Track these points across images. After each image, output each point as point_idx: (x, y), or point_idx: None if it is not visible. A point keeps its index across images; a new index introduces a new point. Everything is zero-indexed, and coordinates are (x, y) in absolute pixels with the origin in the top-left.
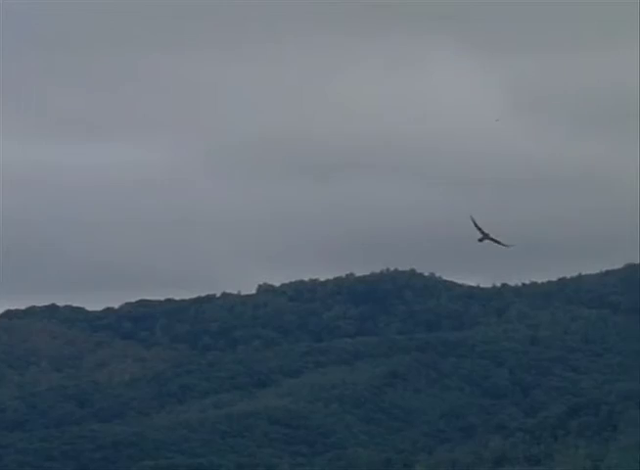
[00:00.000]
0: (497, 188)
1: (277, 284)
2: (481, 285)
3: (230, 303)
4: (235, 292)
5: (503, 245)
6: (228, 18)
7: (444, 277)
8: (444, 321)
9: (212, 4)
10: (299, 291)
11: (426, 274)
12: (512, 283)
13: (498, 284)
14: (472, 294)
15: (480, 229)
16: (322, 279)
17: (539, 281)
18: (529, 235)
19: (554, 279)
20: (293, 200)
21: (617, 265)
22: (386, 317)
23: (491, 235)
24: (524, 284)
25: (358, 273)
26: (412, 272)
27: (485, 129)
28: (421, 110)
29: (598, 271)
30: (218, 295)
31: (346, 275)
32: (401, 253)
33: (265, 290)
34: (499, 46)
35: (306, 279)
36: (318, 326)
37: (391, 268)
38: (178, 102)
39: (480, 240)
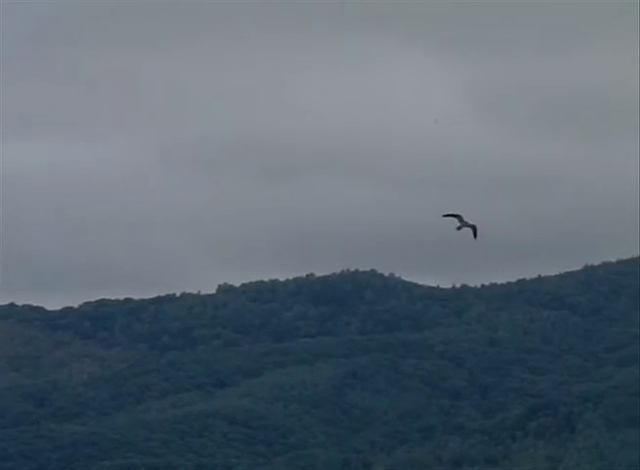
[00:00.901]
0: (456, 188)
1: (237, 284)
2: (441, 286)
3: (190, 302)
4: (195, 292)
5: (475, 235)
6: (185, 15)
7: (404, 278)
8: (404, 322)
9: (168, 1)
10: (260, 291)
11: (386, 275)
12: (472, 284)
13: (458, 285)
14: (432, 295)
15: (456, 216)
16: (282, 279)
17: (499, 282)
18: (489, 236)
19: (513, 280)
20: (252, 200)
21: (577, 267)
22: (346, 318)
23: (470, 223)
24: (483, 285)
25: (318, 273)
26: (372, 273)
27: (446, 129)
28: (381, 110)
29: (557, 273)
30: (178, 295)
31: (307, 275)
32: (361, 253)
33: (225, 290)
34: (461, 46)
35: (266, 279)
36: (278, 326)
37: (352, 269)
38: (134, 101)
39: (459, 228)
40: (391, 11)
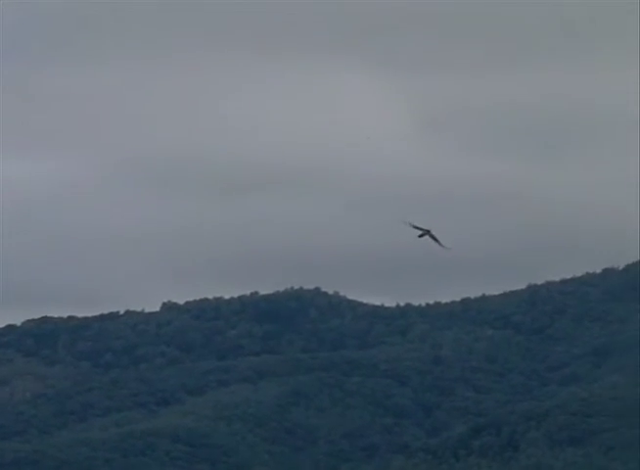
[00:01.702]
0: (401, 207)
1: (181, 302)
2: (386, 304)
3: (134, 320)
4: (139, 309)
5: (441, 246)
6: (134, 34)
7: (349, 296)
8: (348, 340)
9: (111, 17)
10: (204, 309)
11: (330, 293)
12: (416, 303)
13: (402, 304)
14: (376, 313)
15: (418, 228)
16: (226, 297)
17: (443, 301)
18: (433, 255)
19: (457, 299)
20: (196, 217)
21: (520, 286)
22: (290, 336)
23: (432, 232)
24: (427, 304)
25: (263, 291)
26: (317, 291)
27: (390, 148)
28: (325, 128)
29: (501, 292)
30: (122, 312)
31: (251, 293)
32: (306, 271)
33: (169, 308)
34: (404, 64)
35: (211, 297)
36: (222, 344)
37: (296, 287)
38: (84, 118)
39: (420, 236)
40: (335, 29)
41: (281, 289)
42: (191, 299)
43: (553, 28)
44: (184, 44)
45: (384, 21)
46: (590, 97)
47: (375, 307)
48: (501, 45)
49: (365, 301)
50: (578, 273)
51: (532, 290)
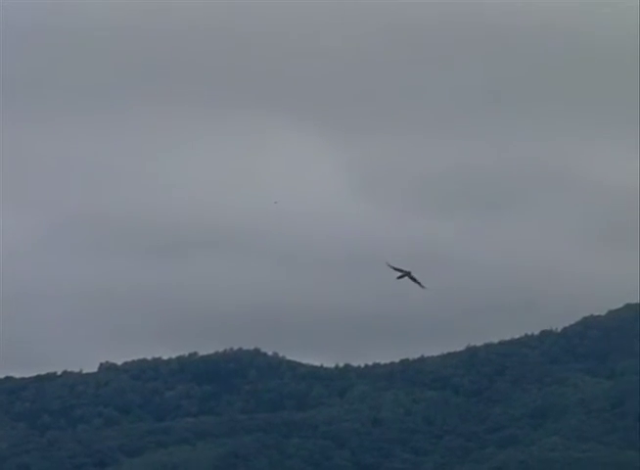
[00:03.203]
0: (341, 268)
1: (119, 362)
2: (325, 365)
3: (71, 381)
4: (76, 370)
5: (422, 286)
6: (70, 91)
7: (288, 357)
8: (288, 401)
9: (53, 79)
10: (142, 369)
11: (270, 354)
12: (355, 364)
13: (341, 364)
14: (315, 374)
15: (398, 269)
16: (165, 358)
17: (382, 362)
18: (372, 316)
19: (396, 360)
20: (136, 277)
21: (459, 347)
22: (229, 397)
23: (412, 274)
24: (366, 365)
25: (202, 352)
26: (256, 351)
27: (331, 209)
28: (265, 188)
29: (440, 353)
30: (59, 373)
31: (190, 354)
32: (245, 332)
33: (107, 368)
34: (347, 126)
35: (149, 358)
36: (160, 405)
37: (235, 347)
38: (18, 176)
39: (400, 277)
40: (273, 87)
41: (220, 350)
42: (129, 359)
43: (486, 93)
44: (121, 102)
45: (327, 82)
46: (526, 159)
47: (314, 368)
48: (439, 108)
49: (304, 361)
50: (517, 335)
51: (471, 352)
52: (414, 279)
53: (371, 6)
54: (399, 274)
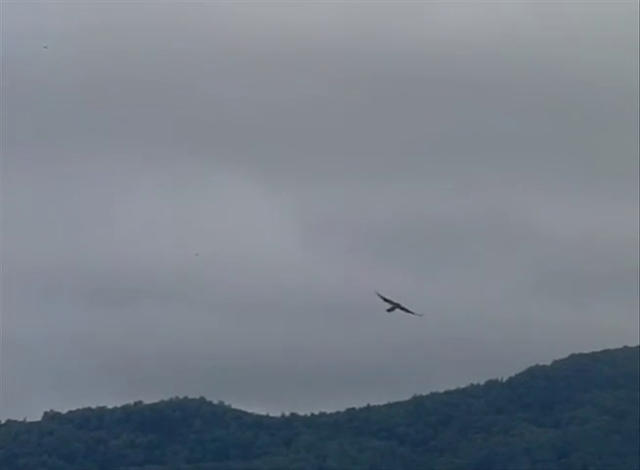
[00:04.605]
0: (287, 316)
1: (64, 411)
2: (271, 414)
3: (15, 430)
4: (20, 419)
5: (415, 314)
6: (10, 133)
7: (234, 406)
8: (233, 450)
9: None
10: (87, 418)
11: (215, 402)
12: (301, 413)
13: (287, 414)
14: (261, 423)
15: (388, 300)
16: (110, 407)
17: (328, 411)
18: (318, 365)
19: (342, 410)
20: (80, 326)
21: (405, 397)
22: (174, 446)
23: (402, 304)
24: (312, 414)
25: (147, 401)
26: (202, 400)
27: (275, 257)
28: (209, 236)
29: (386, 403)
30: (3, 422)
31: (135, 403)
32: (191, 380)
33: (51, 417)
34: (290, 173)
35: (94, 406)
36: (105, 454)
37: (181, 396)
38: None
39: (390, 310)
40: (221, 137)
41: (165, 398)
42: (74, 408)
43: (434, 142)
44: (60, 150)
45: (267, 127)
46: (470, 209)
47: (260, 417)
48: (389, 156)
49: (250, 410)
50: (462, 385)
51: (417, 401)
52: (405, 309)
53: (316, 53)
54: (389, 307)
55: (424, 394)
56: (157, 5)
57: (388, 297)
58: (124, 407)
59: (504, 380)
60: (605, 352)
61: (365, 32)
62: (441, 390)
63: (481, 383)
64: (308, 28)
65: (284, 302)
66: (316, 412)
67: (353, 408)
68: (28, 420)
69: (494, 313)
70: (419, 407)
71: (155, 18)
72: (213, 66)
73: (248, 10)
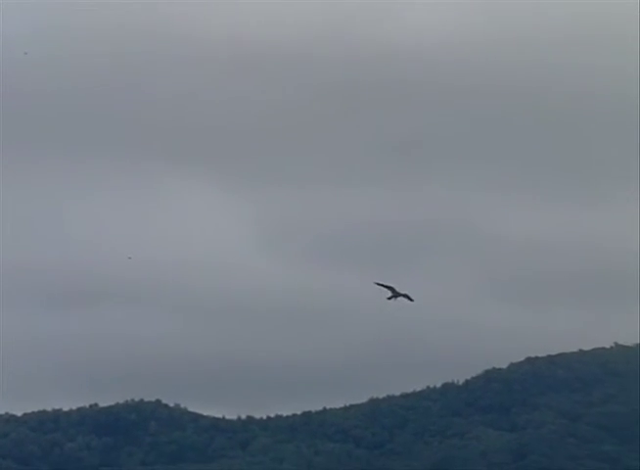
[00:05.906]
0: (244, 320)
1: (19, 414)
2: (227, 417)
3: None
4: None
5: (411, 300)
6: None
7: (190, 408)
8: (189, 453)
9: None
10: (42, 421)
11: (171, 405)
12: (257, 416)
13: (243, 416)
14: (217, 426)
15: (388, 287)
16: (65, 409)
17: (284, 414)
18: (274, 368)
19: (299, 412)
20: (34, 328)
21: (361, 400)
22: (130, 448)
23: (397, 289)
24: (269, 417)
25: (102, 403)
26: (157, 403)
27: (233, 261)
28: (171, 240)
29: (342, 405)
30: None
31: (90, 406)
32: (146, 383)
33: (6, 420)
34: (248, 177)
35: (49, 409)
36: (60, 457)
37: (136, 399)
38: None
39: (390, 298)
40: (181, 141)
41: (121, 401)
42: (29, 410)
43: (393, 148)
44: (27, 153)
45: (227, 132)
46: (427, 214)
47: (216, 420)
48: (347, 162)
49: (206, 413)
50: (419, 388)
51: (373, 404)
52: (408, 297)
53: (278, 58)
54: (390, 295)
55: (380, 396)
56: (130, 10)
57: (386, 283)
58: (80, 410)
59: (460, 383)
60: (561, 355)
61: (321, 38)
62: (397, 393)
63: (438, 386)
64: (268, 34)
65: (240, 305)
66: (272, 415)
67: (309, 411)
68: None
69: (450, 316)
70: (375, 410)
71: (127, 22)
72: (170, 69)
73: (202, 14)
